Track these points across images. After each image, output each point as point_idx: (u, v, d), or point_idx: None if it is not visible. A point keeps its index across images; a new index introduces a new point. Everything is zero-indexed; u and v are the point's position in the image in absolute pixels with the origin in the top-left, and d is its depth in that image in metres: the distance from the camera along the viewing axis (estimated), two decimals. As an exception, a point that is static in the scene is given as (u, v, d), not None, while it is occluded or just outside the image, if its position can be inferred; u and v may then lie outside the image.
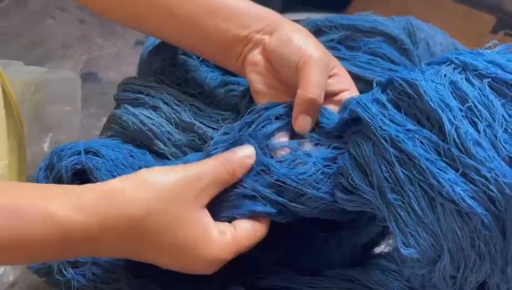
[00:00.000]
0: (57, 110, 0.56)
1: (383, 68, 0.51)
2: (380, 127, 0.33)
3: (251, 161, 0.37)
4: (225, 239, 0.34)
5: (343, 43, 0.53)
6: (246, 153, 0.37)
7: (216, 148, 0.39)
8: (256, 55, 0.43)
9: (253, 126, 0.39)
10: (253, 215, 0.36)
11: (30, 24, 0.83)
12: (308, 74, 0.39)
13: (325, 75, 0.40)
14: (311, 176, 0.36)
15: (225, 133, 0.42)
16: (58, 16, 0.91)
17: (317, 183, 0.36)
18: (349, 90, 0.42)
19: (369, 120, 0.33)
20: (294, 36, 0.41)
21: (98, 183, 0.36)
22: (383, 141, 0.32)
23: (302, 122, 0.38)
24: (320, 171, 0.36)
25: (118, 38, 0.83)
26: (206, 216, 0.35)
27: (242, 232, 0.35)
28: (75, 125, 0.58)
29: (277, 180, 0.36)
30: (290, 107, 0.40)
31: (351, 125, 0.37)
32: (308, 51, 0.40)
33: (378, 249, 0.46)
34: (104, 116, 0.61)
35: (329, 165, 0.36)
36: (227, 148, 0.39)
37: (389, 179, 0.32)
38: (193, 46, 0.46)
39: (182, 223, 0.33)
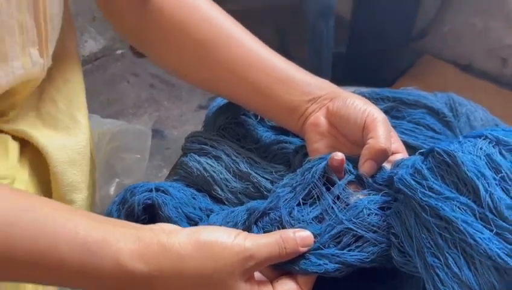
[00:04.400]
0: (127, 158, 0.63)
1: (425, 136, 0.55)
2: (420, 198, 0.36)
3: (309, 242, 0.38)
4: None
5: (388, 113, 0.57)
6: (303, 235, 0.39)
7: (280, 193, 0.43)
8: (319, 117, 0.48)
9: (312, 172, 0.43)
10: (305, 273, 0.38)
11: (108, 85, 0.95)
12: (378, 130, 0.43)
13: (390, 133, 0.45)
14: (366, 218, 0.39)
15: (288, 181, 0.45)
16: (132, 80, 1.04)
17: (372, 226, 0.39)
18: (401, 153, 0.46)
19: (410, 194, 0.37)
20: (355, 100, 0.46)
21: (164, 232, 0.38)
22: (423, 210, 0.36)
23: (369, 167, 0.42)
24: (373, 214, 0.39)
25: (183, 103, 0.93)
26: (248, 286, 0.37)
27: None
28: (141, 173, 0.64)
29: (334, 224, 0.39)
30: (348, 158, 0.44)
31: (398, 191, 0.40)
32: (373, 112, 0.45)
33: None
34: (165, 168, 0.67)
35: (383, 209, 0.39)
36: (290, 192, 0.42)
37: (429, 244, 0.35)
38: (258, 108, 0.52)
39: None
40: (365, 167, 0.42)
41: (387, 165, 0.45)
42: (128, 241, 0.36)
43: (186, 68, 0.55)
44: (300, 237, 0.39)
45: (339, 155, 0.43)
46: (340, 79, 0.90)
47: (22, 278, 0.40)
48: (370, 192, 0.42)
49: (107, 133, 0.67)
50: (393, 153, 0.45)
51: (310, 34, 1.01)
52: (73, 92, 0.58)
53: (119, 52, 1.15)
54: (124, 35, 0.62)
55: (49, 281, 0.39)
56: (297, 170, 0.46)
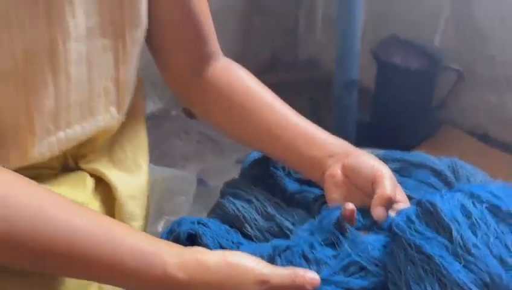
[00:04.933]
0: (175, 199, 0.75)
1: (426, 192, 0.62)
2: (408, 238, 0.44)
3: (316, 283, 0.45)
4: None
5: (397, 172, 0.65)
6: (311, 276, 0.45)
7: (301, 234, 0.51)
8: (336, 170, 0.56)
9: (329, 220, 0.51)
10: None
11: (162, 140, 1.10)
12: (385, 182, 0.52)
13: (395, 186, 0.53)
14: (370, 253, 0.47)
15: (308, 226, 0.53)
16: (183, 136, 1.18)
17: (374, 259, 0.46)
18: (404, 202, 0.54)
19: (401, 235, 0.46)
20: (367, 158, 0.56)
21: (200, 252, 0.47)
22: (410, 248, 0.44)
23: (380, 212, 0.50)
24: (376, 249, 0.47)
25: (224, 157, 1.06)
26: None
27: None
28: (185, 213, 0.75)
29: (344, 257, 0.47)
30: (358, 208, 0.52)
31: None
32: (381, 168, 0.53)
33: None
34: (205, 211, 0.77)
35: (384, 247, 0.47)
36: (310, 235, 0.50)
37: (413, 275, 0.43)
38: (286, 160, 0.62)
39: None
40: (376, 213, 0.50)
41: (392, 213, 0.52)
42: (173, 256, 0.45)
43: (230, 126, 0.67)
44: (309, 277, 0.45)
45: (350, 206, 0.50)
46: (365, 144, 0.99)
47: (85, 275, 0.50)
48: (376, 233, 0.50)
49: (159, 178, 0.79)
50: (397, 202, 0.53)
51: (336, 104, 1.13)
52: (138, 142, 0.69)
53: (173, 113, 1.31)
54: (181, 97, 0.72)
55: (107, 280, 0.49)
56: (316, 217, 0.54)
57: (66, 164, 0.62)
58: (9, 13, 0.51)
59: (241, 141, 0.68)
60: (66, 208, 0.49)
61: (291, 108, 0.64)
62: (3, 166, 0.51)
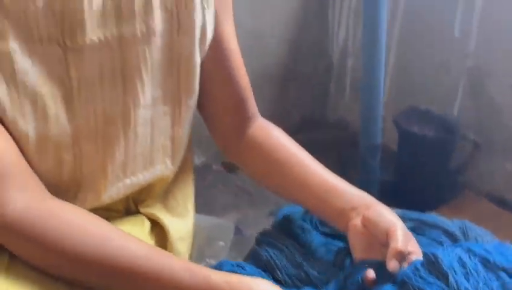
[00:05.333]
0: (214, 244, 0.83)
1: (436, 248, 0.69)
2: (413, 283, 0.53)
3: None
4: None
5: (412, 231, 0.68)
6: None
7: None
8: (357, 221, 0.62)
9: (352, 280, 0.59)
10: None
11: (203, 191, 1.17)
12: (397, 235, 0.58)
13: (407, 238, 0.58)
14: None
15: (334, 283, 0.60)
16: (222, 189, 1.27)
17: None
18: (416, 254, 0.59)
19: (407, 281, 0.54)
20: (384, 212, 0.62)
21: (233, 277, 0.56)
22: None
23: (393, 265, 0.56)
24: None
25: (259, 209, 1.13)
26: None
27: None
28: (223, 258, 0.84)
29: None
30: (375, 262, 0.59)
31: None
32: (395, 222, 0.59)
33: None
34: (241, 257, 0.85)
35: None
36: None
37: None
38: (316, 211, 0.69)
39: None
40: (391, 266, 0.56)
41: (405, 265, 0.58)
42: (218, 275, 0.54)
43: (267, 178, 0.75)
44: None
45: (371, 274, 0.57)
46: (387, 203, 1.04)
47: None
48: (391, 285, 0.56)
49: (201, 224, 0.88)
50: (410, 253, 0.58)
51: (361, 164, 1.20)
52: (187, 192, 0.77)
53: (214, 167, 1.40)
54: (225, 152, 0.80)
55: None
56: (340, 270, 0.62)
57: (129, 208, 0.71)
58: (95, 85, 0.61)
59: (276, 191, 0.75)
60: (128, 238, 0.58)
61: (320, 164, 0.72)
62: (81, 206, 0.61)
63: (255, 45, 1.42)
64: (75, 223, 0.57)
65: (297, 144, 0.74)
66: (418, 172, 0.99)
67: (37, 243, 0.55)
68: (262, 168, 0.74)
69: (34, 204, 0.57)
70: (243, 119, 0.76)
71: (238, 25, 1.31)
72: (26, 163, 0.60)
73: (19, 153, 0.60)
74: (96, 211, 0.62)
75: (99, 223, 0.59)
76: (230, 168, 1.41)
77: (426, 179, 1.14)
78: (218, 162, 1.46)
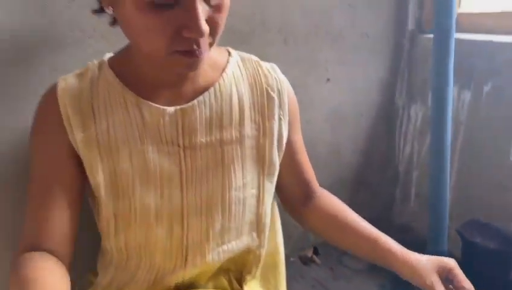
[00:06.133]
0: None
1: None
2: None
3: None
4: None
5: None
6: None
7: None
8: (435, 277, 0.74)
9: None
10: None
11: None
12: (460, 276, 0.74)
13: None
14: None
15: None
16: (299, 280, 1.34)
17: None
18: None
19: None
20: (432, 257, 0.76)
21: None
22: None
23: None
24: None
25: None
26: None
27: None
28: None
29: None
30: None
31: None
32: (447, 260, 0.76)
33: None
34: None
35: None
36: None
37: None
38: (381, 262, 0.81)
39: None
40: None
41: None
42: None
43: (334, 236, 0.86)
44: None
45: None
46: None
47: None
48: None
49: None
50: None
51: None
52: (277, 271, 0.92)
53: (291, 259, 1.47)
54: (295, 218, 0.93)
55: None
56: None
57: (232, 287, 0.86)
58: (202, 173, 0.76)
59: (343, 247, 0.86)
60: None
61: (367, 222, 0.84)
62: (192, 268, 0.75)
63: (332, 154, 1.53)
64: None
65: (349, 208, 0.88)
66: (481, 281, 1.02)
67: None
68: (329, 229, 0.87)
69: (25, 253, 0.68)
70: (308, 192, 0.92)
71: (320, 138, 1.55)
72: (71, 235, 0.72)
73: (70, 226, 0.71)
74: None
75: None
76: (305, 261, 1.49)
77: (489, 288, 1.18)
78: (296, 255, 1.53)
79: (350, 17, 1.39)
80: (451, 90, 1.30)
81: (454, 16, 1.26)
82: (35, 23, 0.91)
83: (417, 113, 1.55)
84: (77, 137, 0.71)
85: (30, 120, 0.76)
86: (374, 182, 1.66)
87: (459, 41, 1.28)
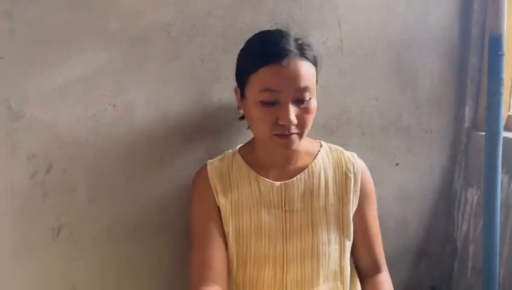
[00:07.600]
0: None
1: None
2: None
3: None
4: None
5: None
6: None
7: None
8: None
9: None
10: None
11: None
12: None
13: None
14: None
15: None
16: None
17: None
18: None
19: None
20: None
21: None
22: None
23: None
24: None
25: None
26: None
27: None
28: None
29: None
30: None
31: None
32: None
33: None
34: None
35: None
36: None
37: None
38: None
39: None
40: None
41: None
42: None
43: None
44: None
45: None
46: None
47: None
48: None
49: None
50: None
51: None
52: None
53: None
54: (361, 283, 1.07)
55: None
56: None
57: None
58: (298, 230, 0.99)
59: None
60: None
61: None
62: None
63: (399, 230, 1.68)
64: None
65: None
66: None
67: None
68: None
69: None
70: (373, 267, 1.08)
71: (390, 212, 1.81)
72: (226, 270, 0.92)
73: (224, 262, 0.92)
74: None
75: None
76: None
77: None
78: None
79: (417, 117, 1.60)
80: (500, 179, 1.50)
81: (502, 120, 1.54)
82: (194, 118, 1.28)
83: (473, 196, 1.72)
84: (220, 201, 1.02)
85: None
86: (435, 254, 1.75)
87: (507, 140, 1.46)
